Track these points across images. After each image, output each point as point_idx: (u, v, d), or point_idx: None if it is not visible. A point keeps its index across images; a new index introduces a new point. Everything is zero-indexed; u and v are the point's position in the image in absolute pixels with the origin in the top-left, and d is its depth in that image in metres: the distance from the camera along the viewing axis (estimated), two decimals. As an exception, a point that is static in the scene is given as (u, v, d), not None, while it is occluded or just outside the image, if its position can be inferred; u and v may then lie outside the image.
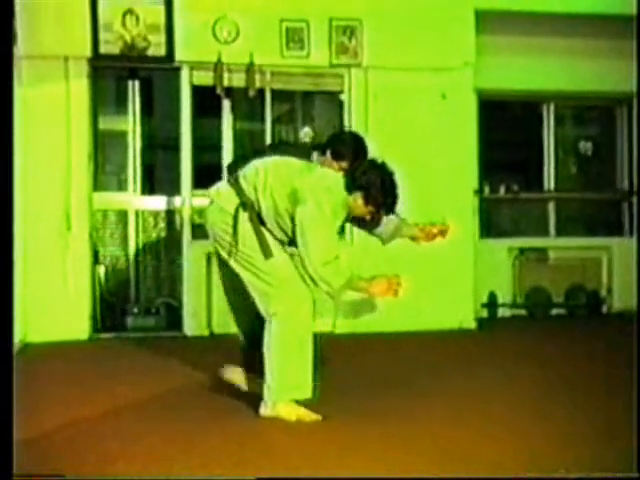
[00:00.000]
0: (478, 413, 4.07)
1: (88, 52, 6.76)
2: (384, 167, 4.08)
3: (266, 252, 3.84)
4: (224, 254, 3.97)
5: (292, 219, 3.88)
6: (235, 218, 3.88)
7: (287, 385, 3.82)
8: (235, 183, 3.99)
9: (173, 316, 7.15)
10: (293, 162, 4.11)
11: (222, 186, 4.10)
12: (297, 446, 3.44)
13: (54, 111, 6.72)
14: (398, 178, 4.11)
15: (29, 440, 3.37)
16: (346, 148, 4.71)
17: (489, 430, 3.71)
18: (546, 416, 4.00)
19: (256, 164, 4.08)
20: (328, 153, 4.71)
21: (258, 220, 3.90)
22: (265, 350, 3.84)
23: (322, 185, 3.95)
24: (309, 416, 3.82)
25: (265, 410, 3.85)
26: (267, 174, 3.98)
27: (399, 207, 4.24)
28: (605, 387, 4.70)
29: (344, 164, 4.58)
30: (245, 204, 3.89)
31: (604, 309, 8.35)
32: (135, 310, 7.13)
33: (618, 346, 6.15)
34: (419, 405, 4.18)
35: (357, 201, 3.98)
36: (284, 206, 3.91)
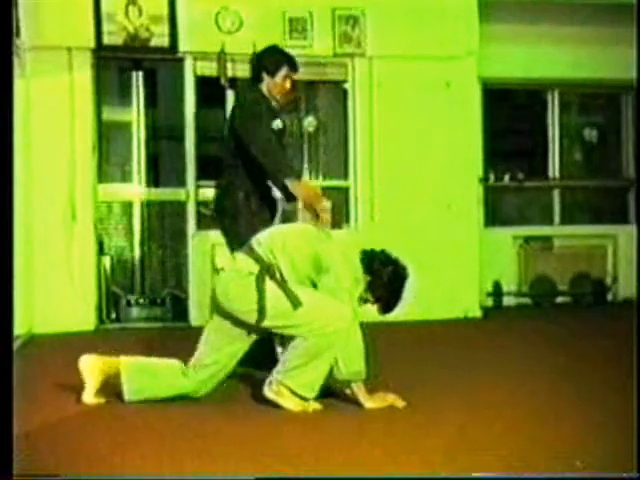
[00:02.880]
0: (481, 404, 4.07)
1: (91, 43, 6.78)
2: (401, 268, 4.01)
3: (294, 302, 3.76)
4: (244, 318, 3.85)
5: (313, 285, 3.87)
6: (258, 279, 3.79)
7: (299, 380, 3.82)
8: (250, 251, 3.90)
9: (179, 307, 7.17)
10: (310, 228, 4.09)
11: (236, 255, 4.00)
12: (307, 440, 3.44)
13: (58, 102, 6.72)
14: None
15: (31, 432, 3.38)
16: (275, 58, 4.74)
17: (491, 420, 3.72)
18: (547, 407, 4.00)
19: (271, 230, 4.07)
20: (264, 76, 4.72)
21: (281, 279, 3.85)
22: (290, 348, 3.84)
23: (342, 255, 3.90)
24: (311, 406, 3.84)
25: (269, 392, 3.86)
26: (285, 238, 3.95)
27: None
28: (610, 377, 4.69)
29: (284, 73, 4.68)
30: (268, 268, 3.82)
31: (609, 297, 8.35)
32: (141, 301, 7.14)
33: (623, 335, 6.14)
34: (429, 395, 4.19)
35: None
36: (306, 272, 3.87)
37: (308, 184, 4.47)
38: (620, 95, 8.80)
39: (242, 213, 4.59)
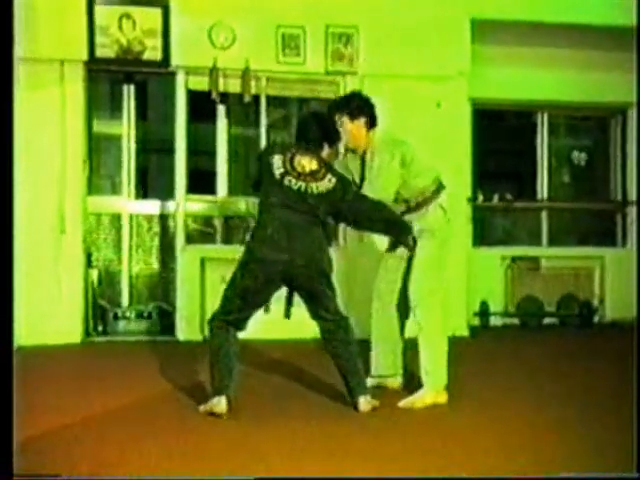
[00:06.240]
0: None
1: (84, 55, 6.77)
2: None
3: None
4: None
5: None
6: None
7: None
8: None
9: (166, 320, 7.14)
10: None
11: None
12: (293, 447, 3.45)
13: (49, 114, 6.72)
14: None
15: (20, 443, 3.36)
16: (314, 132, 4.37)
17: (483, 436, 3.73)
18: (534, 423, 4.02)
19: None
20: (325, 145, 4.40)
21: None
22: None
23: None
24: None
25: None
26: None
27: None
28: (596, 396, 4.71)
29: (328, 147, 4.42)
30: None
31: (596, 319, 8.36)
32: (127, 314, 7.12)
33: (610, 356, 6.17)
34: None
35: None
36: None
37: None
38: (609, 118, 8.86)
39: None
